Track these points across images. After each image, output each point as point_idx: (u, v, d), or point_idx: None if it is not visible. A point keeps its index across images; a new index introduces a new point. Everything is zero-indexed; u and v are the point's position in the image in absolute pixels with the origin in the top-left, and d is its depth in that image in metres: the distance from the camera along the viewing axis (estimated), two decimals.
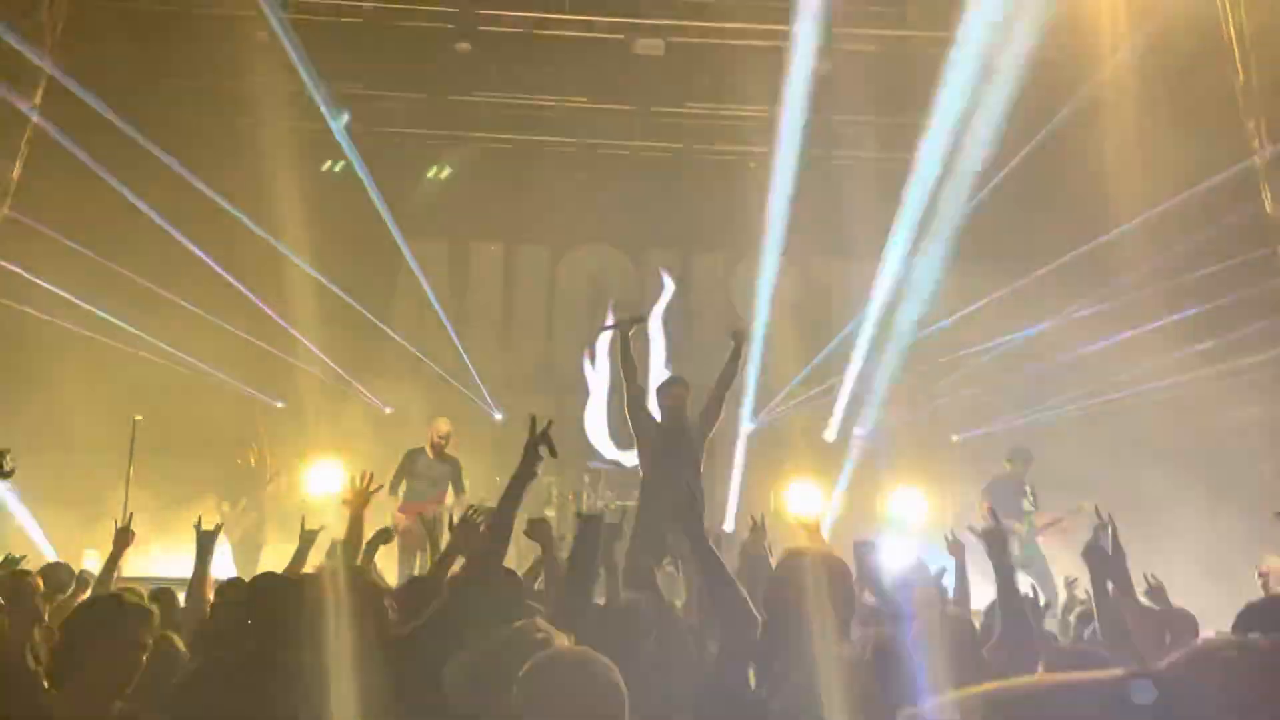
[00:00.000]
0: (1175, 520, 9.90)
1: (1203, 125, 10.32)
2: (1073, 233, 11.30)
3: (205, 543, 5.19)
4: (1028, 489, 9.99)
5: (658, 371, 12.93)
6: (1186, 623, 4.63)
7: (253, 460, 11.49)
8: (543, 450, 3.75)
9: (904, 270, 12.27)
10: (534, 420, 3.85)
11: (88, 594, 5.64)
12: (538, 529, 4.97)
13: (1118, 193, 10.75)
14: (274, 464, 11.61)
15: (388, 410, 12.49)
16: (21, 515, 9.99)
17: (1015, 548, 9.86)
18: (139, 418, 9.80)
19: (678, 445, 7.31)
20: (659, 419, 7.60)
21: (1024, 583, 9.59)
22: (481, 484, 10.87)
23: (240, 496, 11.07)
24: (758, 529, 5.61)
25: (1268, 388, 10.45)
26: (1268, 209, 10.39)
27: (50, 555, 10.08)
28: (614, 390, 12.86)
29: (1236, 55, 10.31)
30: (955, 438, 12.76)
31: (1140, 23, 10.19)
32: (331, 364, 12.26)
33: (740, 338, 7.56)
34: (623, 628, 3.81)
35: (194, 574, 5.15)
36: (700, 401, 7.60)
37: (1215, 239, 10.15)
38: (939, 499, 11.75)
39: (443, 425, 10.61)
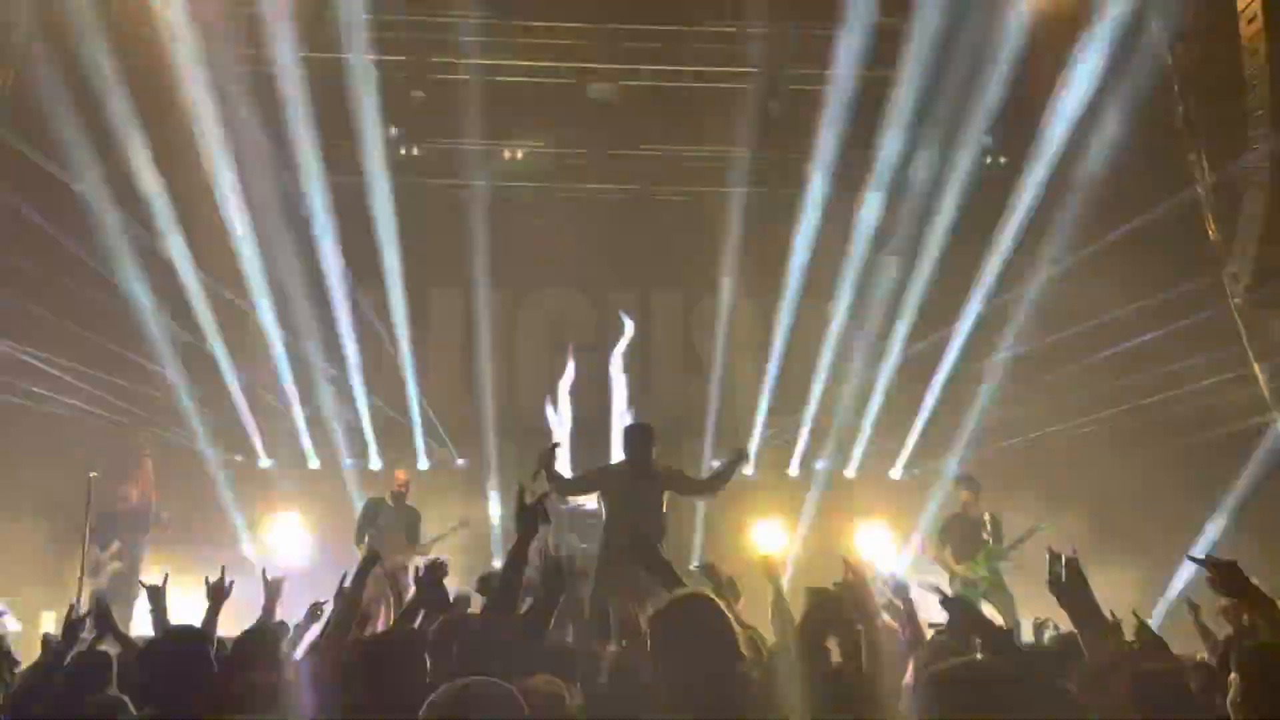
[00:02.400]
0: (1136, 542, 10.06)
1: (1150, 157, 10.56)
2: (1021, 265, 11.49)
3: (217, 597, 5.01)
4: (986, 519, 10.00)
5: (619, 412, 13.01)
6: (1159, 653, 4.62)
7: (134, 498, 10.26)
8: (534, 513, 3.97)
9: (858, 305, 12.45)
10: (521, 490, 4.12)
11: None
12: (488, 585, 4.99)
13: (1064, 225, 10.94)
14: (158, 501, 10.57)
15: (348, 461, 12.38)
16: None
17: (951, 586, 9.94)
18: (94, 474, 9.62)
19: (641, 489, 7.31)
20: (623, 462, 7.62)
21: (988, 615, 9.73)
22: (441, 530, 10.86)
23: (112, 539, 10.10)
24: (713, 571, 5.62)
25: (1215, 411, 10.63)
26: (1211, 237, 10.63)
27: (10, 621, 9.91)
28: (577, 435, 12.89)
29: (1176, 88, 10.59)
30: (915, 471, 12.84)
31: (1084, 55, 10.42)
32: (291, 415, 12.19)
33: (739, 457, 7.60)
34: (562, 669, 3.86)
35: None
36: (675, 465, 7.70)
37: (1160, 268, 10.37)
38: (902, 533, 11.82)
39: (401, 474, 10.61)
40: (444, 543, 10.38)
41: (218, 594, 5.02)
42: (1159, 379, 10.50)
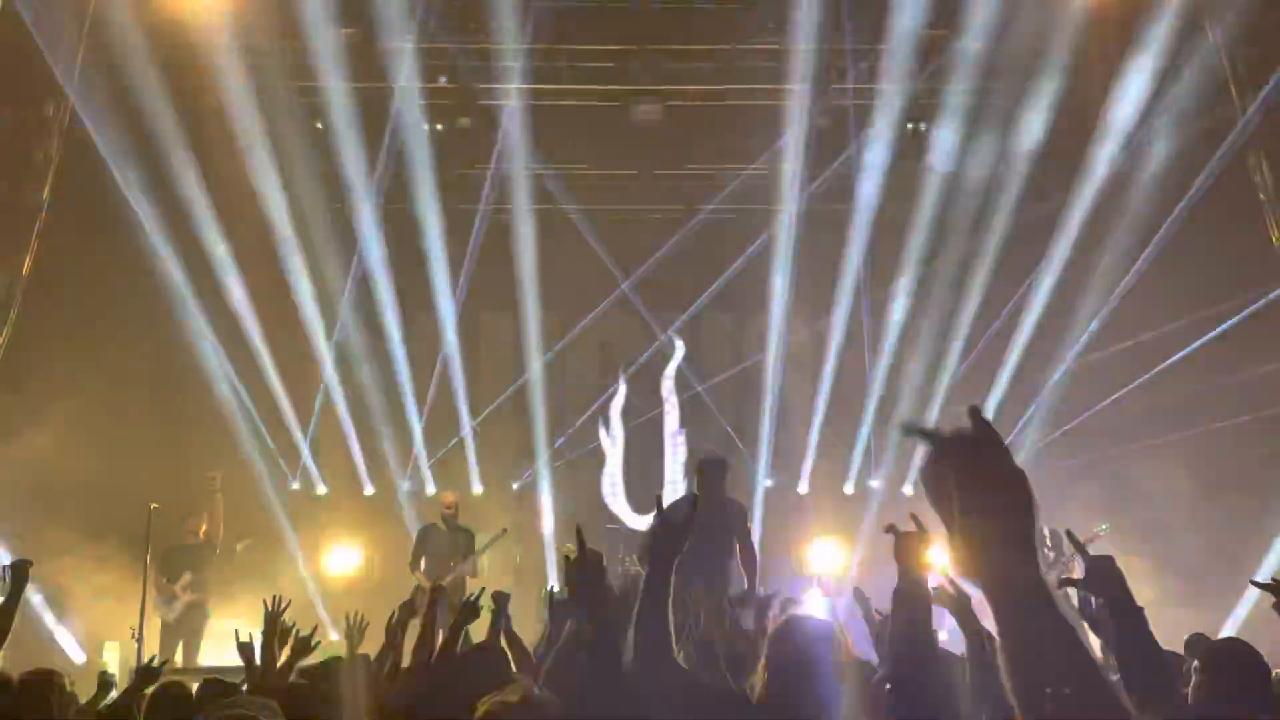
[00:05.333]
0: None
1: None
2: (1078, 273, 11.34)
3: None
4: (1046, 535, 9.84)
5: (670, 433, 12.96)
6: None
7: (200, 533, 10.20)
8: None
9: (909, 318, 12.33)
10: (568, 559, 4.00)
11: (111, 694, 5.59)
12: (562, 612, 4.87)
13: (1122, 232, 10.78)
14: (227, 538, 10.48)
15: (405, 485, 12.44)
16: (44, 612, 9.92)
17: None
18: (155, 506, 9.72)
19: (713, 526, 7.27)
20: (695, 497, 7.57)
21: None
22: (498, 552, 10.88)
23: (184, 571, 10.06)
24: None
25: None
26: (1273, 241, 10.41)
27: (75, 651, 10.05)
28: (628, 457, 12.87)
29: (1234, 90, 10.40)
30: None
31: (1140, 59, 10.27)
32: (348, 444, 12.29)
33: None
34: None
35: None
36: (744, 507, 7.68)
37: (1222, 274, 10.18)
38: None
39: (449, 496, 10.65)
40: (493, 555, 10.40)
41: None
42: (1223, 385, 10.26)
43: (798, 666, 2.83)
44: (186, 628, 9.94)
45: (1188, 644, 5.37)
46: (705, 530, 7.15)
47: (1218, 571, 9.92)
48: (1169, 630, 5.79)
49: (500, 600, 5.58)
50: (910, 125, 12.25)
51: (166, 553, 10.02)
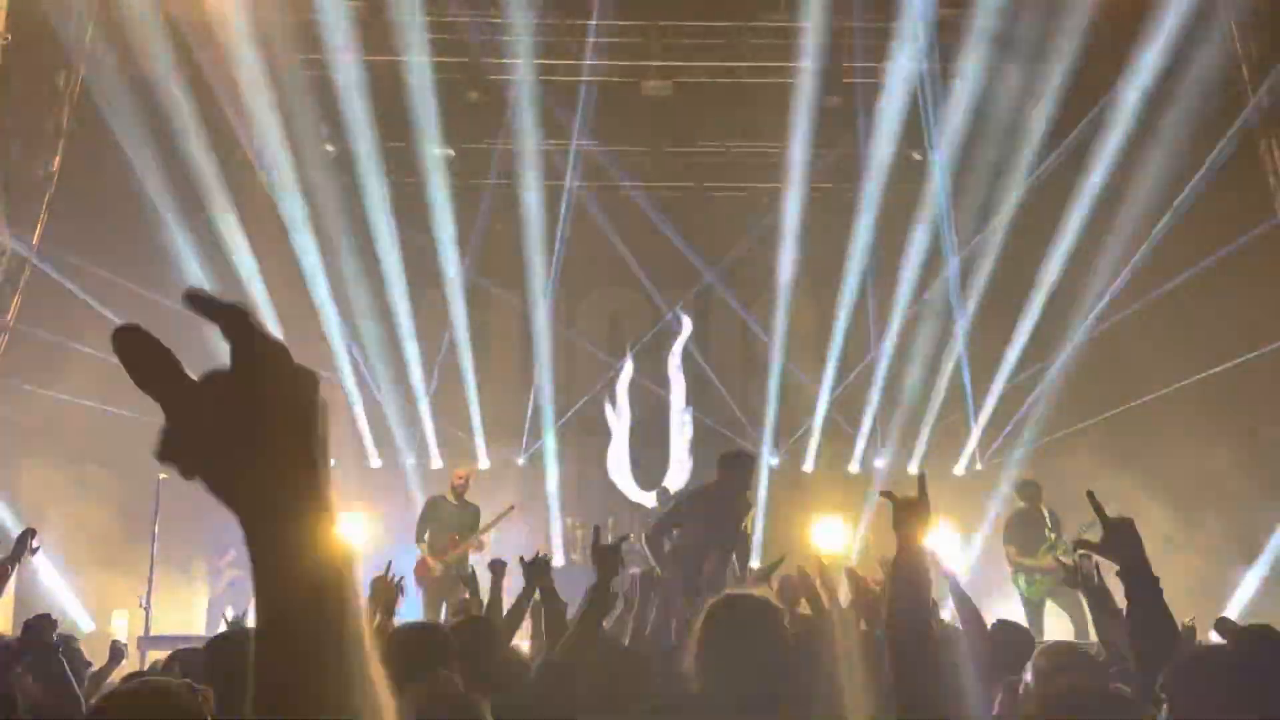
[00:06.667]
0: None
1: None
2: (1086, 255, 11.31)
3: None
4: (1046, 515, 9.85)
5: (677, 411, 12.98)
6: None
7: None
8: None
9: (918, 299, 12.33)
10: (597, 530, 4.12)
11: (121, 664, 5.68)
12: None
13: (1131, 217, 10.73)
14: None
15: (409, 460, 12.49)
16: (52, 580, 10.00)
17: (1022, 583, 9.80)
18: (164, 476, 9.78)
19: (729, 521, 7.29)
20: (715, 486, 7.55)
21: (1052, 612, 9.59)
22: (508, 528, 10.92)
23: (229, 548, 10.64)
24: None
25: None
26: None
27: (83, 619, 10.16)
28: (634, 433, 12.91)
29: (1245, 76, 10.32)
30: (979, 467, 12.67)
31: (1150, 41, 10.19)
32: (354, 417, 12.34)
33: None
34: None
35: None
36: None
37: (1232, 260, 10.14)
38: (966, 531, 11.65)
39: (461, 471, 10.68)
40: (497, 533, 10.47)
41: None
42: (1234, 369, 10.25)
43: (730, 647, 2.78)
44: (232, 602, 10.21)
45: (1216, 626, 5.30)
46: (717, 522, 7.22)
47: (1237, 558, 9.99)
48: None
49: (496, 569, 5.63)
50: (920, 104, 12.18)
51: (215, 530, 10.47)
